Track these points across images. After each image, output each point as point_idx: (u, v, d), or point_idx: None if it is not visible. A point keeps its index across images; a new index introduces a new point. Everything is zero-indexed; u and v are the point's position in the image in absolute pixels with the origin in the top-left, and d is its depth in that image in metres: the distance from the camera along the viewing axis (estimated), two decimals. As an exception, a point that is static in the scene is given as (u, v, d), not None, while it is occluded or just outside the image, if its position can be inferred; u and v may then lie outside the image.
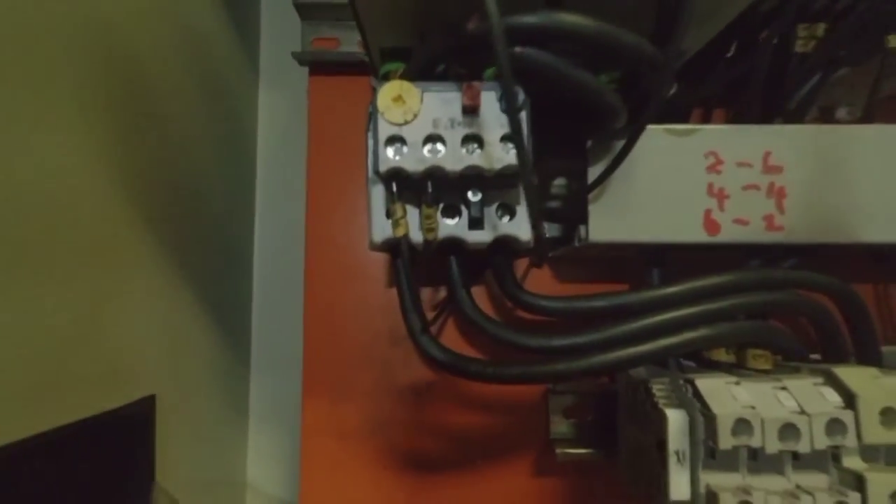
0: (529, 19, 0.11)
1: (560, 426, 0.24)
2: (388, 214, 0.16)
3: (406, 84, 0.13)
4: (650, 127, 0.17)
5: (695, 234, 0.17)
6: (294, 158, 0.31)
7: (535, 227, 0.14)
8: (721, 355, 0.20)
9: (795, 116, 0.20)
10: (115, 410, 0.16)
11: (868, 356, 0.19)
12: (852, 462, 0.17)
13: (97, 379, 0.16)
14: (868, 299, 0.24)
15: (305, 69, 0.26)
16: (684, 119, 0.21)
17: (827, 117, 0.24)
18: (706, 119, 0.21)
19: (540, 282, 0.24)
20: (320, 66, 0.26)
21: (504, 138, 0.13)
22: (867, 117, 0.20)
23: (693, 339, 0.18)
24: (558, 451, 0.23)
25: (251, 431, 0.29)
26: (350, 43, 0.25)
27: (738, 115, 0.20)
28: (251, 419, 0.29)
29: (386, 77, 0.16)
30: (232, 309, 0.28)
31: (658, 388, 0.19)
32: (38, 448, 0.13)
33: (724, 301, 0.18)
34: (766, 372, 0.19)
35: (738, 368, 0.19)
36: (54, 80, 0.16)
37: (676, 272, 0.19)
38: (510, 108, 0.11)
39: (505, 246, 0.16)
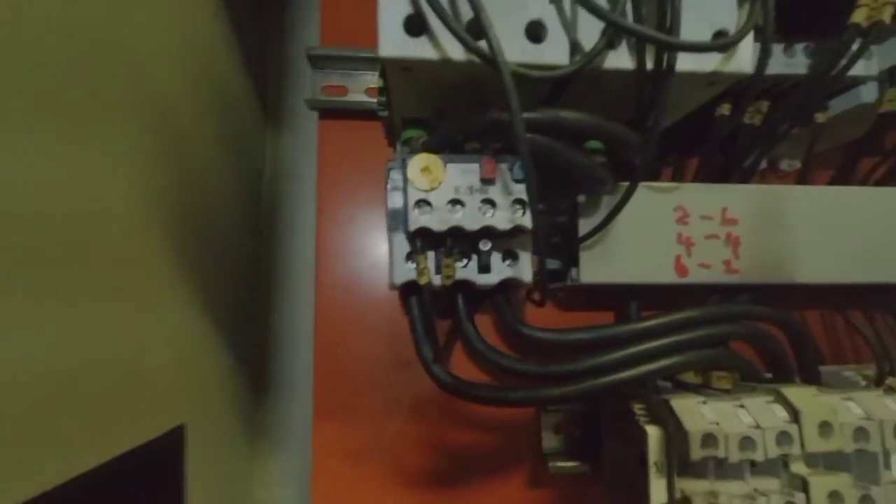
0: (542, 116, 0.14)
1: (551, 441, 0.26)
2: (408, 259, 0.18)
3: (433, 157, 0.16)
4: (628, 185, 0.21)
5: (668, 276, 0.20)
6: (297, 193, 0.32)
7: (543, 273, 0.16)
8: (690, 377, 0.23)
9: (748, 173, 0.24)
10: (148, 443, 0.18)
11: (809, 375, 0.23)
12: (798, 468, 0.20)
13: (136, 407, 0.17)
14: (815, 324, 0.28)
15: (309, 113, 0.28)
16: (656, 176, 0.24)
17: (773, 167, 0.28)
18: (676, 174, 0.24)
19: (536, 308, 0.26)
20: (329, 111, 0.28)
21: (515, 202, 0.16)
22: (804, 170, 0.23)
23: (669, 365, 0.21)
24: (550, 465, 0.25)
25: (265, 454, 0.30)
26: (356, 91, 0.28)
27: (702, 172, 0.23)
28: (265, 442, 0.30)
29: (407, 142, 0.18)
30: (247, 338, 0.29)
31: (639, 408, 0.22)
32: (79, 488, 0.14)
33: (693, 332, 0.21)
34: (727, 391, 0.22)
35: (704, 388, 0.23)
36: (107, 118, 0.17)
37: (648, 304, 0.22)
38: (529, 183, 0.14)
39: (507, 286, 0.19)
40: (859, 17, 0.16)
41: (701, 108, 0.21)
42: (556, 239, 0.22)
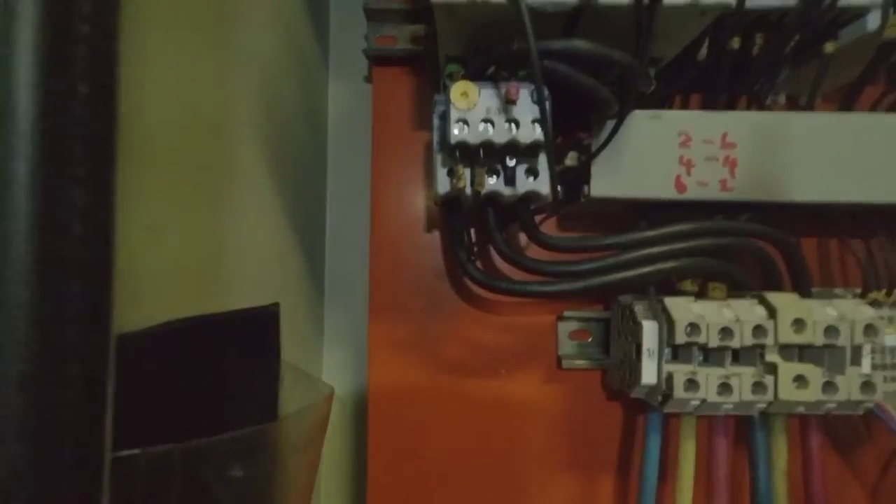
0: (555, 45, 0.18)
1: (566, 347, 0.31)
2: (449, 174, 0.22)
3: (469, 83, 0.20)
4: (638, 112, 0.24)
5: (669, 192, 0.24)
6: (359, 130, 0.38)
7: (554, 184, 0.20)
8: (687, 286, 0.26)
9: (757, 101, 0.26)
10: (257, 309, 0.24)
11: (801, 289, 0.26)
12: (772, 357, 0.23)
13: (245, 289, 0.24)
14: (811, 250, 0.30)
15: (363, 63, 0.33)
16: (668, 104, 0.27)
17: (793, 104, 0.30)
18: (685, 102, 0.27)
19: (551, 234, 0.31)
20: (381, 59, 0.32)
21: (534, 121, 0.20)
22: (810, 105, 0.25)
23: (663, 269, 0.24)
24: (564, 361, 0.30)
25: (325, 348, 0.38)
26: (404, 41, 0.32)
27: (709, 101, 0.26)
28: (325, 338, 0.38)
29: (450, 76, 0.23)
30: (313, 248, 0.36)
31: (638, 308, 0.26)
32: (202, 327, 0.20)
33: (688, 242, 0.24)
34: (720, 299, 0.26)
35: (699, 296, 0.26)
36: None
37: (657, 224, 0.25)
38: (540, 101, 0.18)
39: (529, 200, 0.23)
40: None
41: (710, 44, 0.23)
42: (576, 162, 0.26)
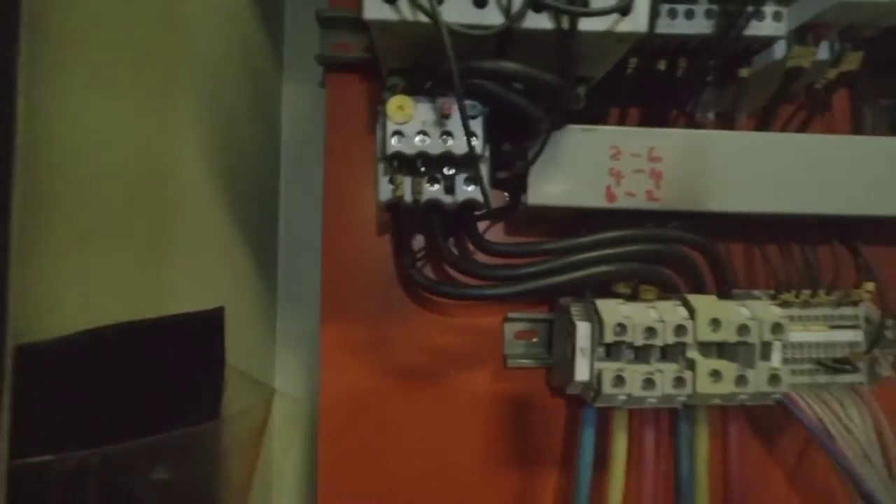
0: (484, 64, 0.19)
1: (512, 347, 0.32)
2: (391, 182, 0.23)
3: (405, 98, 0.21)
4: (574, 126, 0.25)
5: (599, 201, 0.25)
6: (313, 132, 0.38)
7: (484, 193, 0.21)
8: (621, 289, 0.28)
9: (688, 116, 0.28)
10: (200, 312, 0.24)
11: (721, 291, 0.28)
12: (692, 354, 0.25)
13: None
14: (739, 255, 0.32)
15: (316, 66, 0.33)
16: (603, 120, 0.28)
17: (723, 120, 0.32)
18: (623, 116, 0.29)
19: (496, 239, 0.32)
20: (335, 65, 0.33)
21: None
22: (731, 120, 0.27)
23: (597, 273, 0.26)
24: (509, 361, 0.31)
25: (278, 352, 0.38)
26: (357, 49, 0.32)
27: (644, 116, 0.27)
28: (280, 341, 0.38)
29: (392, 88, 0.23)
30: (264, 252, 0.36)
31: (575, 310, 0.27)
32: (136, 332, 0.20)
33: (620, 248, 0.26)
34: (650, 301, 0.28)
35: (632, 298, 0.28)
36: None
37: (595, 229, 0.27)
38: (464, 118, 0.19)
39: (470, 207, 0.24)
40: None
41: (640, 65, 0.25)
42: (511, 173, 0.27)
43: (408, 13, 0.18)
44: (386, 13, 0.18)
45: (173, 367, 0.20)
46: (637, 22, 0.18)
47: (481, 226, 0.28)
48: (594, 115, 0.27)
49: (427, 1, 0.17)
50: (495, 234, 0.31)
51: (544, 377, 0.32)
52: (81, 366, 0.13)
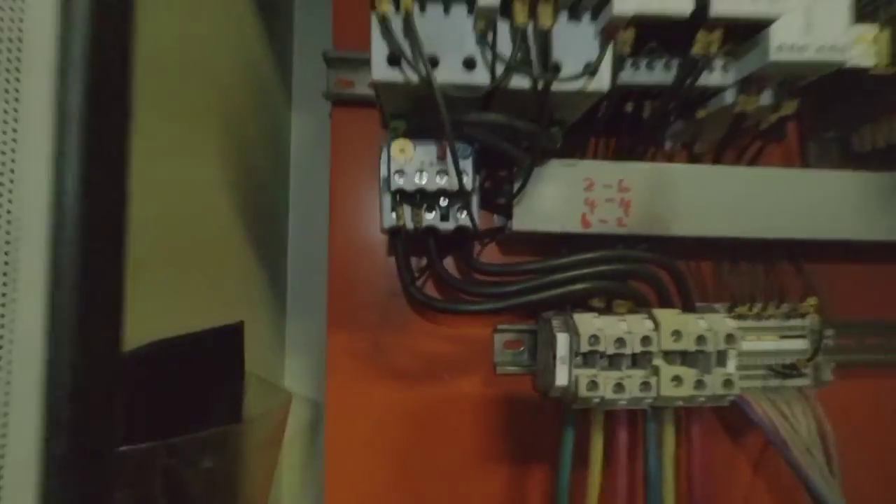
0: (471, 116, 0.22)
1: (501, 355, 0.36)
2: (393, 210, 0.27)
3: (406, 141, 0.24)
4: (555, 160, 0.29)
5: (576, 227, 0.29)
6: (321, 154, 0.41)
7: (473, 222, 0.25)
8: (596, 303, 0.31)
9: (658, 148, 0.32)
10: (224, 326, 0.27)
11: (685, 305, 0.31)
12: (657, 362, 0.29)
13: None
14: (707, 271, 0.36)
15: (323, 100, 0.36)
16: (582, 150, 0.32)
17: (689, 150, 0.36)
18: (597, 147, 0.32)
19: (492, 257, 0.35)
20: (341, 101, 0.36)
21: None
22: (692, 154, 0.31)
23: (574, 290, 0.29)
24: (498, 368, 0.35)
25: (287, 359, 0.41)
26: (362, 85, 0.36)
27: (617, 148, 0.31)
28: (288, 349, 0.41)
29: (395, 130, 0.27)
30: (276, 271, 0.39)
31: (555, 322, 0.31)
32: (177, 345, 0.23)
33: (595, 267, 0.29)
34: (622, 314, 0.31)
35: (606, 312, 0.31)
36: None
37: (575, 250, 0.30)
38: (454, 161, 0.22)
39: (463, 231, 0.28)
40: (696, 48, 0.24)
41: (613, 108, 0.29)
42: (503, 200, 0.30)
43: (410, 75, 0.21)
44: (390, 75, 0.21)
45: (205, 373, 0.23)
46: (601, 82, 0.22)
47: (477, 246, 0.32)
48: (573, 147, 0.31)
49: (423, 67, 0.21)
50: (491, 253, 0.35)
51: (531, 382, 0.35)
52: (147, 372, 0.16)
